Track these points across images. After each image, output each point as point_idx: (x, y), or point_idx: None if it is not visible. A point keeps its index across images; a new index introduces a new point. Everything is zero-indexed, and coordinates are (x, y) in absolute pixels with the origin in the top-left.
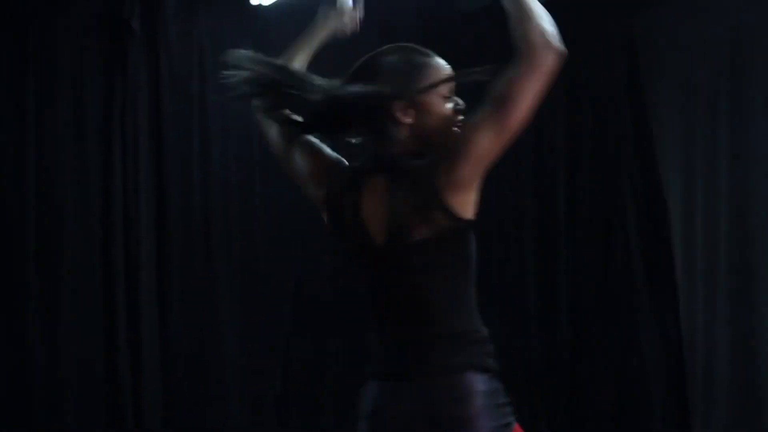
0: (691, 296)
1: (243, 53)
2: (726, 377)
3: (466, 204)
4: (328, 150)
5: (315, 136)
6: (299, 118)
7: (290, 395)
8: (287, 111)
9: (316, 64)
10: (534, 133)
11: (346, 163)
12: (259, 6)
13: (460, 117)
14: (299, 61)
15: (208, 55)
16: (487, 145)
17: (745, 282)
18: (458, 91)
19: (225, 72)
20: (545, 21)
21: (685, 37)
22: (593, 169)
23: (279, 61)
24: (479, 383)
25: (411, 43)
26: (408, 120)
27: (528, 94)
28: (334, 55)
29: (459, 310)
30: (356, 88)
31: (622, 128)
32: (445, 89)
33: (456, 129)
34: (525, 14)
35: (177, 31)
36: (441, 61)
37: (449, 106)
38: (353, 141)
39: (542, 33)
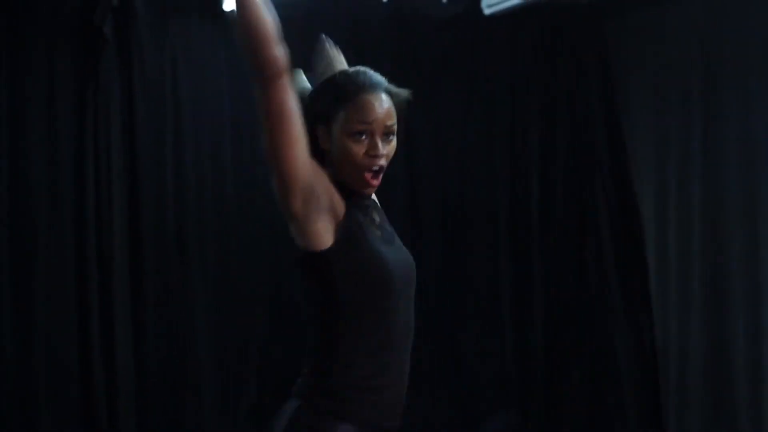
0: (664, 302)
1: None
2: (700, 383)
3: (313, 234)
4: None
5: None
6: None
7: (265, 401)
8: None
9: None
10: (508, 140)
11: None
12: (233, 12)
13: (371, 162)
14: None
15: (180, 61)
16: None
17: (718, 287)
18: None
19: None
20: (258, 34)
21: (656, 44)
22: (567, 175)
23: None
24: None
25: (368, 71)
26: (325, 146)
27: (271, 142)
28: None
29: (328, 341)
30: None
31: (595, 135)
32: (355, 126)
33: (362, 171)
34: (242, 31)
35: (149, 36)
36: (369, 101)
37: (355, 146)
38: None
39: (254, 58)
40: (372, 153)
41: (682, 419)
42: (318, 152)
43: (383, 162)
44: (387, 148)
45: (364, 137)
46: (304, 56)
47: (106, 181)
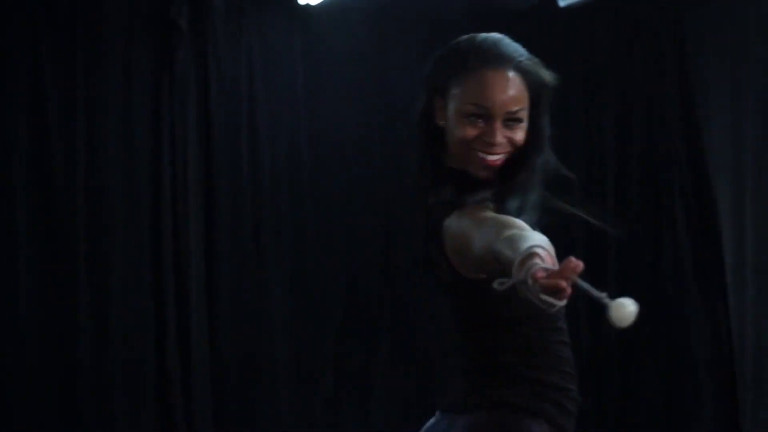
0: (741, 294)
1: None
2: None
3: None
4: None
5: None
6: None
7: (340, 399)
8: None
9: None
10: (584, 134)
11: None
12: (307, 5)
13: (485, 149)
14: None
15: (256, 55)
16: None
17: None
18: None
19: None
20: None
21: (735, 36)
22: (642, 168)
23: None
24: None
25: (503, 40)
26: (441, 121)
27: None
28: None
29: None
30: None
31: (672, 128)
32: (467, 109)
33: (475, 152)
34: None
35: (225, 30)
36: (492, 79)
37: (468, 128)
38: None
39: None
40: (487, 140)
41: (759, 413)
42: (433, 127)
43: (500, 153)
44: (508, 137)
45: (480, 121)
46: (378, 51)
47: (182, 174)
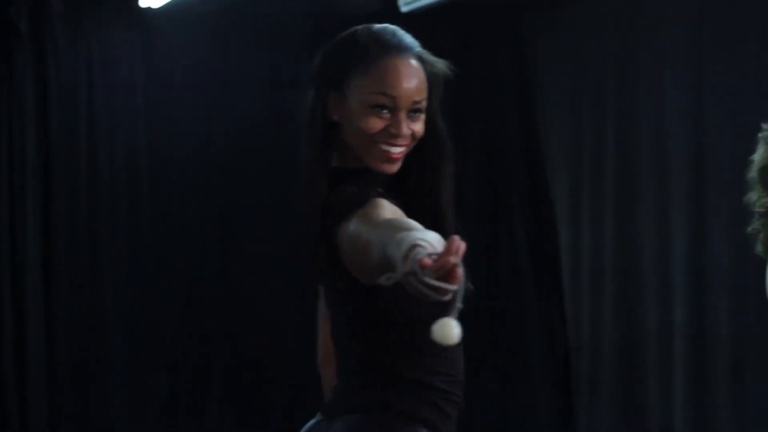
0: (577, 298)
1: None
2: (611, 379)
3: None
4: None
5: None
6: None
7: (177, 403)
8: None
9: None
10: None
11: None
12: (149, 9)
13: (390, 141)
14: None
15: (96, 58)
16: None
17: (630, 283)
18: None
19: None
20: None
21: (572, 41)
22: (481, 173)
23: None
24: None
25: (399, 30)
26: (335, 117)
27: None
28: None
29: (389, 356)
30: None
31: (510, 131)
32: (374, 99)
33: (379, 145)
34: None
35: (65, 33)
36: (397, 68)
37: (374, 120)
38: None
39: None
40: (393, 131)
41: (592, 416)
42: (325, 123)
43: (405, 145)
44: (412, 129)
45: (385, 112)
46: (221, 54)
47: (20, 178)
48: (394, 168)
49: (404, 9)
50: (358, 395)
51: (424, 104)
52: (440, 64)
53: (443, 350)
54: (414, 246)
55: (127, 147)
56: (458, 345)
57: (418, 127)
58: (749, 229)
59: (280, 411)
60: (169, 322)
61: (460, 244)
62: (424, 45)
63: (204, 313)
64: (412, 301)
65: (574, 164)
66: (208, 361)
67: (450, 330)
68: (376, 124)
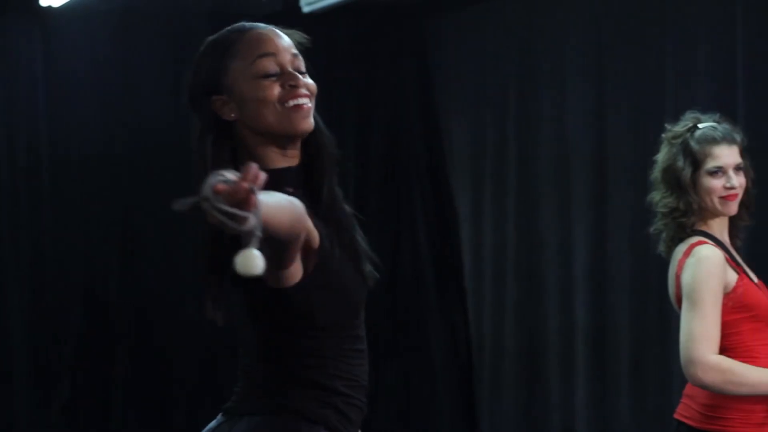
0: (479, 298)
1: None
2: (513, 379)
3: (288, 277)
4: None
5: None
6: None
7: (78, 406)
8: None
9: None
10: None
11: None
12: (49, 7)
13: (292, 94)
14: None
15: None
16: None
17: (532, 284)
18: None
19: None
20: None
21: (475, 46)
22: (384, 175)
23: None
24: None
25: (243, 22)
26: (231, 117)
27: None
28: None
29: (289, 358)
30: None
31: (413, 134)
32: (257, 68)
33: (286, 109)
34: None
35: None
36: (259, 34)
37: (268, 87)
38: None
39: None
40: (291, 83)
41: (495, 415)
42: (221, 128)
43: (306, 94)
44: (306, 85)
45: (274, 78)
46: (122, 53)
47: None
48: (310, 122)
49: (306, 9)
50: (261, 397)
51: (303, 65)
52: (296, 35)
53: (349, 354)
54: (215, 176)
55: (28, 145)
56: (362, 351)
57: (310, 81)
58: (652, 229)
59: (182, 411)
60: (70, 322)
61: (258, 173)
62: (326, 45)
63: (105, 313)
64: (318, 307)
65: (476, 167)
66: (109, 362)
67: (252, 260)
68: (273, 88)
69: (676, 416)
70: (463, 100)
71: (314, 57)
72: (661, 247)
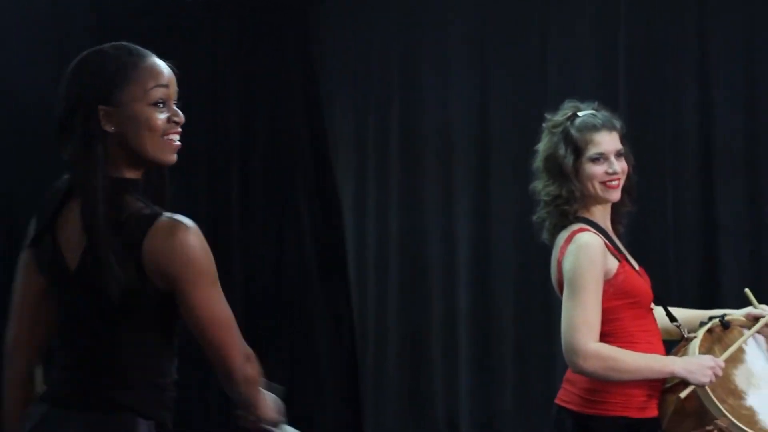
0: (363, 287)
1: None
2: (398, 366)
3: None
4: None
5: None
6: None
7: None
8: None
9: None
10: (209, 128)
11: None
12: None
13: (174, 129)
14: None
15: None
16: None
17: (416, 272)
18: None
19: None
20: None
21: (359, 32)
22: (267, 163)
23: None
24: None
25: (129, 43)
26: (110, 128)
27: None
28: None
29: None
30: (61, 92)
31: (297, 122)
32: (154, 95)
33: (166, 138)
34: None
35: None
36: (157, 64)
37: (158, 115)
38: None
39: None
40: (176, 119)
41: (379, 403)
42: (94, 135)
43: (180, 132)
44: (182, 118)
45: (161, 105)
46: (2, 45)
47: None
48: (175, 158)
49: None
50: (100, 393)
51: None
52: (173, 68)
53: (171, 354)
54: None
55: None
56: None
57: (182, 114)
58: (535, 217)
59: None
60: None
61: None
62: (209, 34)
63: None
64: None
65: (360, 155)
66: None
67: None
68: (161, 118)
69: (556, 401)
70: (347, 90)
71: (197, 46)
72: (545, 235)
